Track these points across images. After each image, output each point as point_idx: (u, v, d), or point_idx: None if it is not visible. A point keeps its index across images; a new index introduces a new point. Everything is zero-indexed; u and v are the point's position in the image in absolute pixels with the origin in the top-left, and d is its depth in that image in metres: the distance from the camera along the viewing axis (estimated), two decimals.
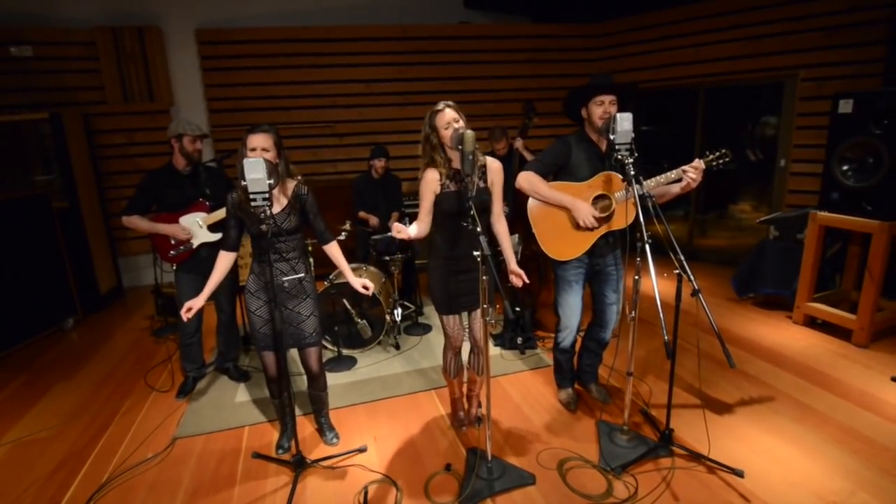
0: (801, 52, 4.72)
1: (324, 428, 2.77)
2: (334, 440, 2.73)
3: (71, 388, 3.44)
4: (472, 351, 2.67)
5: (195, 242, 3.09)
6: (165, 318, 4.53)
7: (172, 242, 3.07)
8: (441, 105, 2.28)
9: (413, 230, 2.31)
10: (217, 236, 3.13)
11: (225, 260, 2.42)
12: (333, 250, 2.54)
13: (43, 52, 5.01)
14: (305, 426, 2.88)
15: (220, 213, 3.10)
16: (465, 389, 2.83)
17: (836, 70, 4.55)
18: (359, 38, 5.71)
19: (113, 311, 4.99)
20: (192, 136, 3.02)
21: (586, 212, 2.49)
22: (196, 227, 3.09)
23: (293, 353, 3.76)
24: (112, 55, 5.15)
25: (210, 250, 3.10)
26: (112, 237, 5.36)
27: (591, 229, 2.55)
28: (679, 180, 2.45)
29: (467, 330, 2.63)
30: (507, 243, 2.50)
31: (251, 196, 2.03)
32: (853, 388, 3.02)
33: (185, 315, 2.28)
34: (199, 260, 3.10)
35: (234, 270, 3.31)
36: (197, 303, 2.32)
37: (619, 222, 2.54)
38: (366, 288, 2.46)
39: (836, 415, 2.76)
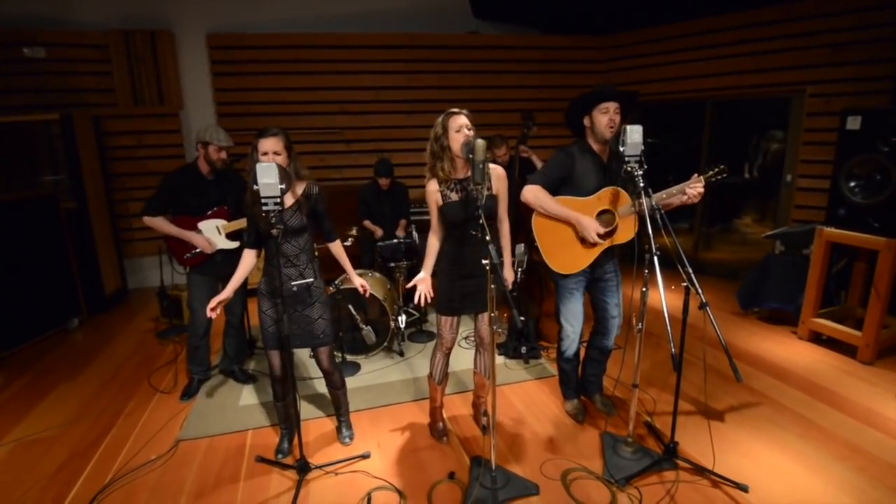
0: (809, 68, 4.74)
1: (340, 426, 2.83)
2: (346, 440, 2.77)
3: (75, 389, 3.44)
4: (477, 351, 2.71)
5: (213, 248, 3.10)
6: (170, 320, 4.54)
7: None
8: (456, 109, 2.33)
9: (433, 243, 2.50)
10: (234, 244, 3.15)
11: (248, 257, 2.46)
12: (337, 248, 2.63)
13: (56, 54, 5.06)
14: (310, 430, 2.87)
15: (241, 223, 3.11)
16: (442, 397, 2.84)
17: (844, 87, 4.56)
18: (368, 45, 5.76)
19: (118, 312, 5.00)
20: (218, 146, 3.02)
21: (591, 227, 2.50)
22: (215, 232, 3.11)
23: (300, 356, 3.78)
24: (124, 58, 5.20)
25: (225, 256, 3.13)
26: (119, 238, 5.39)
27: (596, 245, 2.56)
28: (682, 193, 2.47)
29: (472, 334, 2.66)
30: (507, 244, 2.57)
31: (263, 200, 2.05)
32: (858, 405, 3.01)
33: (211, 313, 2.31)
34: (213, 264, 3.13)
35: None
36: (223, 296, 2.36)
37: (622, 236, 2.56)
38: (363, 288, 2.65)
39: (841, 432, 2.75)
